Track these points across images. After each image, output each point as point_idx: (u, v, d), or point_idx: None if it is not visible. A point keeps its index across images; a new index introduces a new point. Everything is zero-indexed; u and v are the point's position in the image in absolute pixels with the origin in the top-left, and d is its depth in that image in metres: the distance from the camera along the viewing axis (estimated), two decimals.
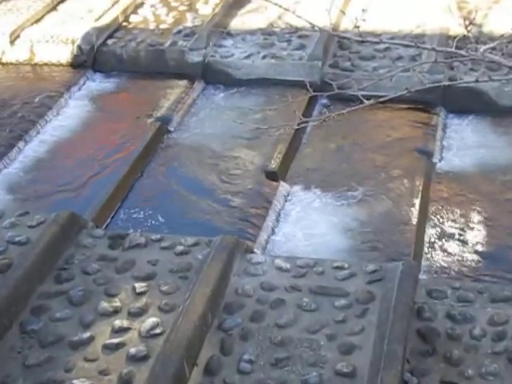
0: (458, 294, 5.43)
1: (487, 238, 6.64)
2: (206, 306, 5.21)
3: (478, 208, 7.01)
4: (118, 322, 5.22)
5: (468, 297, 5.39)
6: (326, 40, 9.26)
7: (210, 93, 9.21)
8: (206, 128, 8.45)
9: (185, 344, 4.90)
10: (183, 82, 9.26)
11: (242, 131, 8.02)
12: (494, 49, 4.78)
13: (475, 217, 6.90)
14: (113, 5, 10.55)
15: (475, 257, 6.45)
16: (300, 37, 9.55)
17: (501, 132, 8.21)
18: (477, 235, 6.69)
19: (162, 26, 10.23)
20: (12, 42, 9.86)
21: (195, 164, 7.78)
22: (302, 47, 9.37)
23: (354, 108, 4.94)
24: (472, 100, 8.50)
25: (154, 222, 6.96)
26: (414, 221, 6.80)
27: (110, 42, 9.88)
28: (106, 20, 10.16)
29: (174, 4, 10.88)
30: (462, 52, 4.58)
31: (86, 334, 5.13)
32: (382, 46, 9.09)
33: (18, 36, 9.94)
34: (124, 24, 10.34)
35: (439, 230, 6.78)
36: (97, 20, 10.14)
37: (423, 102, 8.39)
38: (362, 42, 5.00)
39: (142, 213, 7.08)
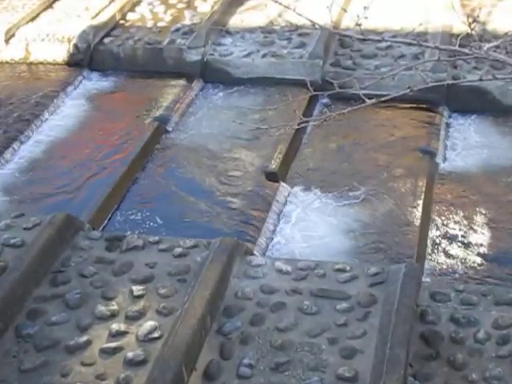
0: (461, 296, 5.43)
1: (491, 240, 6.64)
2: (204, 310, 5.21)
3: (482, 209, 7.01)
4: (115, 326, 5.21)
5: (472, 299, 5.39)
6: (327, 38, 9.27)
7: (209, 92, 9.21)
8: (205, 128, 8.45)
9: (183, 348, 4.90)
10: (181, 81, 9.27)
11: (241, 131, 8.02)
12: (498, 47, 4.79)
13: (479, 218, 6.90)
14: (110, 2, 10.56)
15: (479, 259, 6.45)
16: (300, 35, 9.55)
17: (505, 132, 8.21)
18: (481, 237, 6.69)
19: (160, 24, 10.23)
20: (7, 41, 9.87)
21: (194, 165, 7.78)
22: (302, 45, 9.37)
23: (355, 107, 4.94)
24: (476, 99, 8.50)
25: (151, 223, 6.95)
26: (417, 222, 6.80)
27: (106, 40, 9.88)
28: (103, 18, 10.17)
29: (171, 1, 10.89)
30: (466, 50, 4.58)
31: (83, 338, 5.13)
32: (384, 44, 9.08)
33: (13, 35, 9.94)
34: (121, 22, 10.35)
35: (442, 232, 6.78)
36: (93, 18, 10.15)
37: (426, 101, 8.40)
38: (364, 40, 5.00)
39: (139, 214, 7.08)
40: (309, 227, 6.89)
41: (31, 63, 9.78)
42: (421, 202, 7.05)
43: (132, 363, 4.92)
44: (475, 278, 6.22)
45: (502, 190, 7.29)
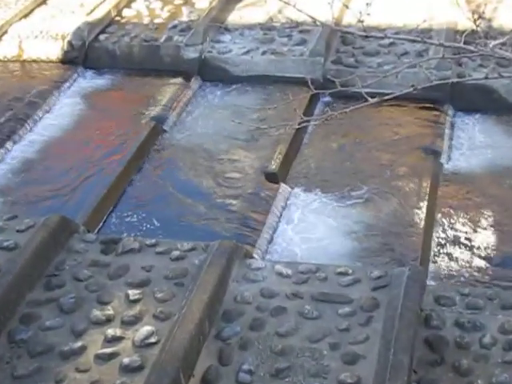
0: (467, 300, 5.44)
1: (497, 243, 6.65)
2: (203, 314, 5.21)
3: (487, 211, 7.01)
4: (110, 331, 5.21)
5: (477, 304, 5.40)
6: (329, 35, 9.27)
7: (207, 90, 9.22)
8: (203, 128, 8.45)
9: (181, 354, 4.90)
10: (179, 80, 9.27)
11: (240, 131, 8.02)
12: (504, 44, 4.79)
13: (484, 221, 6.91)
14: None
15: (485, 262, 6.45)
16: (301, 32, 9.56)
17: (510, 131, 8.22)
18: (486, 239, 6.69)
19: (157, 21, 10.23)
20: None
21: (191, 166, 7.78)
22: (303, 42, 9.38)
23: (357, 106, 4.95)
24: (481, 98, 8.51)
25: (148, 225, 6.96)
26: (421, 224, 6.81)
27: (102, 37, 9.88)
28: (98, 14, 10.17)
29: None
30: (471, 47, 4.59)
31: (78, 344, 5.14)
32: (386, 41, 9.11)
33: (5, 32, 9.95)
34: (117, 18, 10.35)
35: (447, 234, 6.78)
36: (88, 14, 10.15)
37: (430, 100, 8.40)
38: (366, 36, 5.00)
39: (135, 216, 7.09)
40: (310, 229, 6.90)
41: (24, 61, 9.79)
42: (425, 204, 7.05)
43: (128, 369, 4.92)
44: (481, 282, 6.22)
45: (507, 192, 7.30)
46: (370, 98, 4.78)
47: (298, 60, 9.11)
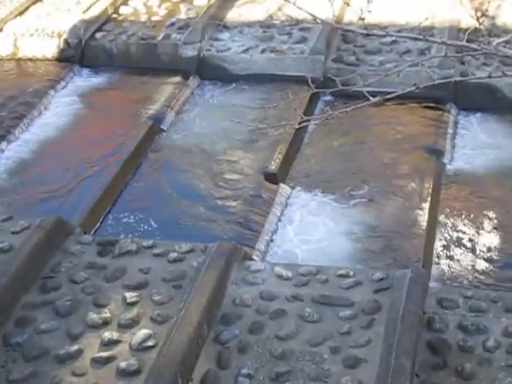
0: (470, 303, 5.44)
1: (501, 244, 6.65)
2: (201, 317, 5.21)
3: (490, 213, 7.02)
4: (107, 334, 5.21)
5: (481, 306, 5.40)
6: (329, 33, 9.28)
7: (206, 89, 9.22)
8: (201, 127, 8.45)
9: (179, 358, 4.90)
10: (177, 78, 9.27)
11: (239, 131, 8.02)
12: (507, 42, 4.78)
13: (487, 222, 6.91)
14: None
15: (488, 264, 6.45)
16: (301, 29, 9.57)
17: None
18: (489, 241, 6.69)
19: (154, 18, 10.24)
20: None
21: (189, 166, 7.78)
22: (303, 40, 9.38)
23: (358, 105, 4.94)
24: (484, 97, 8.52)
25: (145, 227, 6.95)
26: (424, 225, 6.81)
27: (98, 35, 9.89)
28: (95, 12, 10.17)
29: None
30: (474, 46, 4.58)
31: (74, 347, 5.13)
32: (388, 40, 9.11)
33: (0, 29, 9.94)
34: (113, 16, 10.36)
35: (450, 236, 6.78)
36: (85, 12, 10.15)
37: (433, 99, 8.41)
38: (368, 34, 4.99)
39: (132, 218, 7.08)
40: (310, 230, 6.90)
41: (20, 59, 9.79)
42: (427, 204, 7.05)
43: (125, 373, 4.92)
44: (484, 284, 6.22)
45: (510, 193, 7.30)
46: (371, 97, 4.78)
47: (298, 58, 9.11)
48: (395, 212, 7.03)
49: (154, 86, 9.16)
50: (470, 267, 6.42)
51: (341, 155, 7.94)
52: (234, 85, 9.16)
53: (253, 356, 5.07)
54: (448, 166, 7.74)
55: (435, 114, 8.50)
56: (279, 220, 7.06)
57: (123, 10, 10.52)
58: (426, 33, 8.24)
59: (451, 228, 6.87)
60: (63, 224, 6.23)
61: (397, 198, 7.21)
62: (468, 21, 8.60)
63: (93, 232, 6.81)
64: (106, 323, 5.31)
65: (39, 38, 9.78)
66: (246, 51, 9.31)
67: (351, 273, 5.72)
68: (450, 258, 6.54)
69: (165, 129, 8.45)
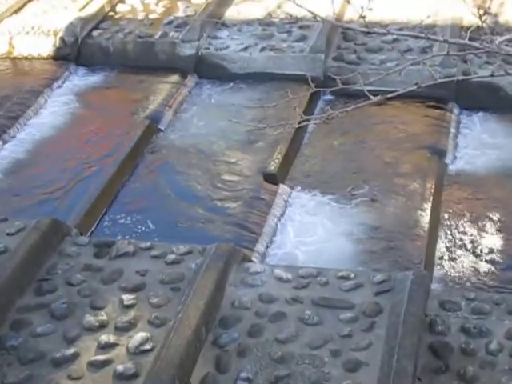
0: (472, 305, 5.43)
1: (503, 246, 6.65)
2: (199, 320, 5.20)
3: (492, 214, 7.01)
4: (104, 338, 5.20)
5: (484, 308, 5.39)
6: (329, 31, 9.27)
7: (204, 88, 9.21)
8: (199, 127, 8.45)
9: (177, 361, 4.89)
10: (175, 77, 9.27)
11: (237, 130, 8.02)
12: (510, 40, 4.79)
13: (489, 223, 6.91)
14: None
15: (491, 266, 6.45)
16: (301, 27, 9.57)
17: None
18: (492, 242, 6.69)
19: (152, 16, 10.24)
20: None
21: (187, 166, 7.77)
22: (303, 39, 9.38)
23: (359, 105, 4.94)
24: (487, 96, 8.52)
25: (143, 228, 6.95)
26: (426, 227, 6.80)
27: (95, 33, 9.88)
28: (91, 10, 10.17)
29: None
30: (476, 44, 4.58)
31: (70, 351, 5.12)
32: (389, 38, 9.10)
33: None
34: (110, 14, 10.35)
35: (452, 237, 6.78)
36: (81, 10, 10.15)
37: (435, 98, 8.41)
38: (369, 33, 4.99)
39: (129, 219, 7.08)
40: (310, 232, 6.89)
41: (15, 58, 9.78)
42: (429, 205, 7.05)
43: (122, 377, 4.91)
44: (487, 286, 6.22)
45: (511, 194, 7.30)
46: (372, 96, 4.77)
47: (297, 57, 9.11)
48: (397, 212, 7.03)
49: (151, 84, 9.15)
50: (472, 269, 6.42)
51: (341, 155, 7.94)
52: (232, 84, 9.15)
53: (252, 359, 5.07)
54: (450, 166, 7.74)
55: (437, 113, 8.50)
56: (279, 221, 7.06)
57: (120, 7, 10.52)
58: (427, 31, 8.28)
59: (454, 229, 6.87)
60: (59, 225, 6.22)
61: (398, 198, 7.21)
62: (470, 19, 8.59)
63: (89, 233, 6.81)
64: (102, 326, 5.31)
65: (35, 36, 9.77)
66: (244, 49, 9.31)
67: (352, 275, 5.71)
68: (453, 259, 6.54)
69: (162, 128, 8.44)
